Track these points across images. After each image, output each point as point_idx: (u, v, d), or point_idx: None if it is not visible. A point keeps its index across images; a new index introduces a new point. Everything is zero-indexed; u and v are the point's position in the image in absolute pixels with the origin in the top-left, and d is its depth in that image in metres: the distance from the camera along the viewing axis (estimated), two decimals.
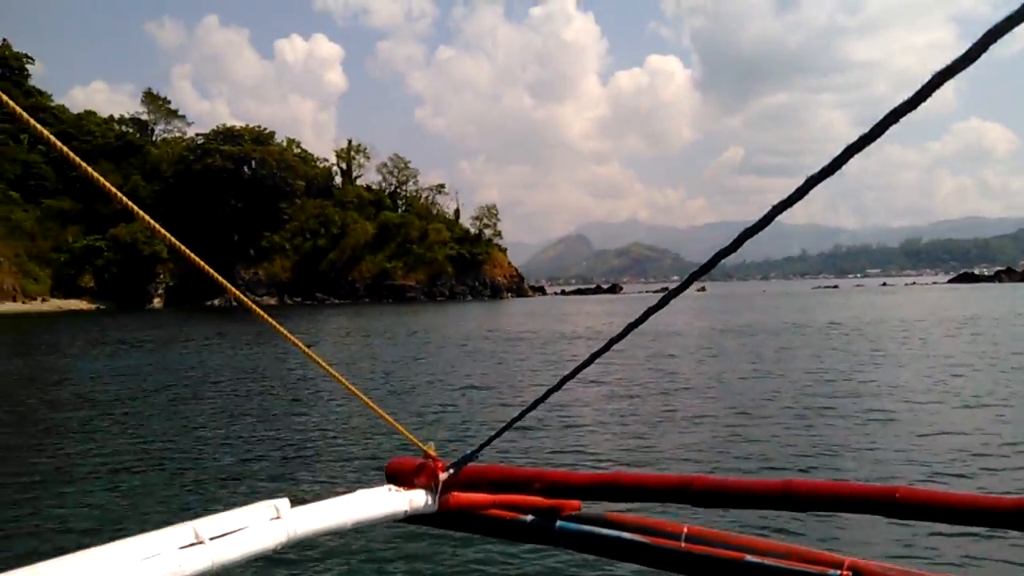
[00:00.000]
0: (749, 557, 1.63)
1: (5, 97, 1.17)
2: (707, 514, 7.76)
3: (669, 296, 1.38)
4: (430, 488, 1.91)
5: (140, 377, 27.68)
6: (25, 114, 1.23)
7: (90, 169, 1.29)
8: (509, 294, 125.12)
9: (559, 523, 1.90)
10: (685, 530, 1.73)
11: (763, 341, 37.76)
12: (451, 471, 1.91)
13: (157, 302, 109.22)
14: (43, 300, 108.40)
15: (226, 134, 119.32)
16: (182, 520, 1.30)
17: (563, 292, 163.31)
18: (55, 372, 29.77)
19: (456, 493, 1.93)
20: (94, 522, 10.25)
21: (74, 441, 15.98)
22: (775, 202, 1.08)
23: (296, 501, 1.57)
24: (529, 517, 1.94)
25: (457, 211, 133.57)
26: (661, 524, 1.78)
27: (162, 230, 1.24)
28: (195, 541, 1.33)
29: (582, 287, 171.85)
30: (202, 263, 1.62)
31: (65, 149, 1.26)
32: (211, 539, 1.35)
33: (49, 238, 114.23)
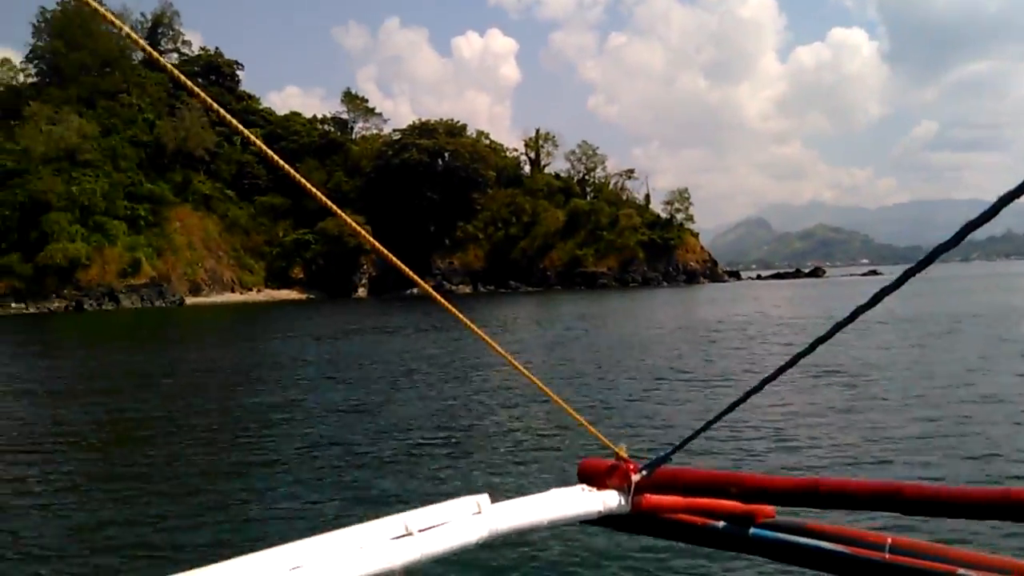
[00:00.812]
0: (962, 571, 1.51)
1: (222, 110, 1.27)
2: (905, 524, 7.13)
3: (881, 295, 1.29)
4: (622, 489, 1.86)
5: (339, 365, 27.95)
6: (240, 125, 1.30)
7: (293, 171, 1.41)
8: (704, 279, 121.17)
9: (753, 530, 1.83)
10: (889, 540, 1.63)
11: (977, 330, 33.35)
12: (644, 472, 1.87)
13: (361, 291, 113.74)
14: (258, 291, 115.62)
15: (422, 128, 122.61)
16: (388, 511, 1.36)
17: (759, 277, 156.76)
18: (257, 357, 30.82)
19: (649, 495, 1.87)
20: (312, 509, 10.56)
21: (280, 425, 16.71)
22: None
23: (494, 497, 1.59)
24: (722, 523, 1.88)
25: (647, 196, 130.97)
26: (863, 534, 1.68)
27: (356, 226, 1.55)
28: (405, 533, 1.39)
29: (782, 271, 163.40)
30: (393, 257, 1.67)
31: (275, 156, 1.34)
32: (419, 531, 1.41)
33: (262, 233, 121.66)
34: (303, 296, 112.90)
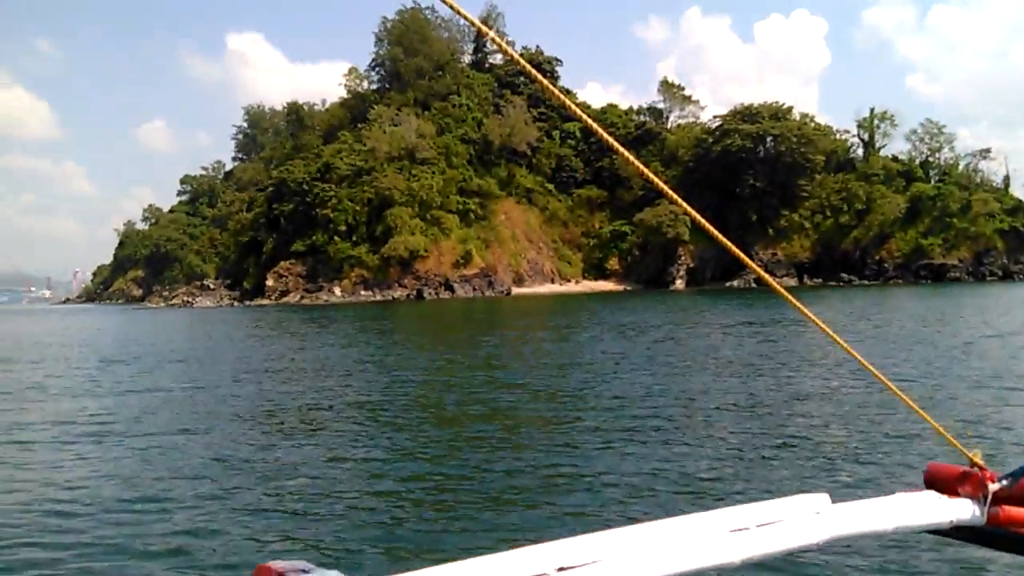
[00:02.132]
0: None
1: (568, 101, 1.30)
2: None
3: None
4: (977, 499, 1.71)
5: (661, 355, 26.02)
6: (590, 121, 1.29)
7: (628, 154, 1.36)
8: None
9: None
10: None
11: None
12: (1004, 483, 1.71)
13: (679, 283, 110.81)
14: (576, 282, 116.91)
15: (743, 113, 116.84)
16: (718, 504, 1.35)
17: None
18: (581, 345, 28.93)
19: (1009, 508, 1.71)
20: (647, 495, 9.96)
21: (608, 411, 16.01)
22: None
23: (834, 498, 1.53)
24: None
25: (1006, 178, 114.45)
26: None
27: (690, 209, 1.52)
28: (743, 527, 1.36)
29: None
30: (726, 240, 1.61)
31: (616, 144, 1.31)
32: (757, 526, 1.38)
33: (580, 225, 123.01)
34: (619, 287, 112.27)
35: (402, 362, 27.02)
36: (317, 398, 19.01)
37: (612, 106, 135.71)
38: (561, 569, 1.22)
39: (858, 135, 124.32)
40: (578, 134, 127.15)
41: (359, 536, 8.41)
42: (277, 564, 1.10)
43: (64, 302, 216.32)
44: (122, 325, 63.93)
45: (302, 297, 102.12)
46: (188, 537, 8.39)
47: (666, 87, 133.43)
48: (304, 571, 1.08)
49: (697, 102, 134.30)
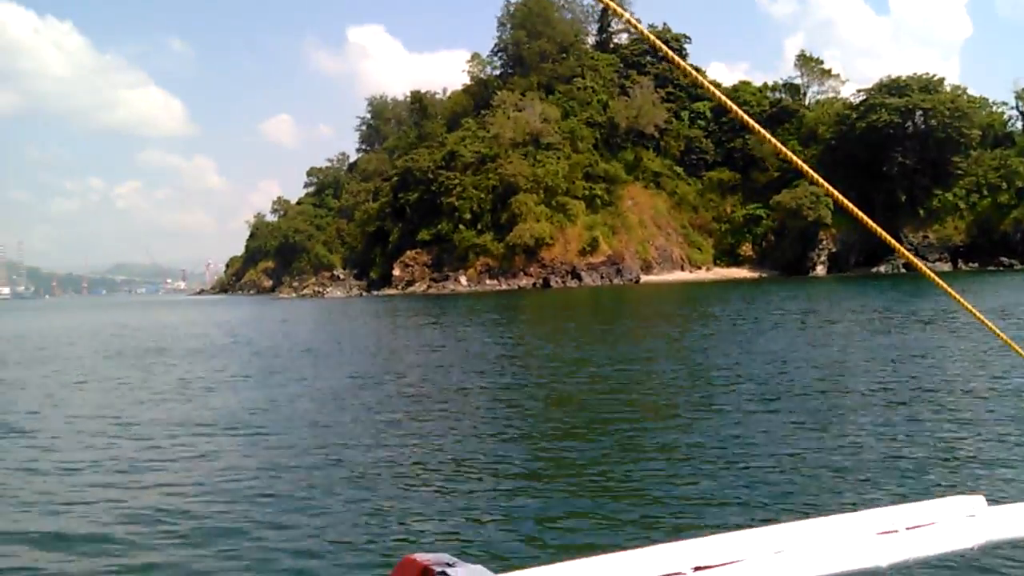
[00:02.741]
0: None
1: (699, 75, 1.21)
2: None
3: None
4: None
5: (805, 346, 23.47)
6: (730, 102, 1.23)
7: (765, 132, 1.24)
8: None
9: None
10: None
11: None
12: None
13: (820, 269, 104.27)
14: (707, 269, 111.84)
15: (890, 86, 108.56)
16: (866, 504, 1.32)
17: None
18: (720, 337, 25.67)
19: None
20: (793, 492, 9.11)
21: (751, 403, 14.92)
22: None
23: (990, 500, 1.45)
24: None
25: None
26: None
27: (833, 190, 1.46)
28: (891, 529, 1.32)
29: None
30: (871, 223, 1.56)
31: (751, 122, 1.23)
32: (906, 529, 1.33)
33: (710, 209, 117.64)
34: (754, 275, 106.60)
35: (540, 351, 24.78)
36: (458, 392, 18.36)
37: (745, 83, 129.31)
38: (698, 568, 1.18)
39: (1016, 107, 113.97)
40: (708, 114, 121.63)
41: (501, 529, 8.19)
42: (421, 556, 1.10)
43: (199, 293, 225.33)
44: (264, 316, 63.85)
45: (429, 287, 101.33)
46: (330, 529, 8.31)
47: (803, 61, 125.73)
48: (449, 564, 1.08)
49: (837, 76, 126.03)
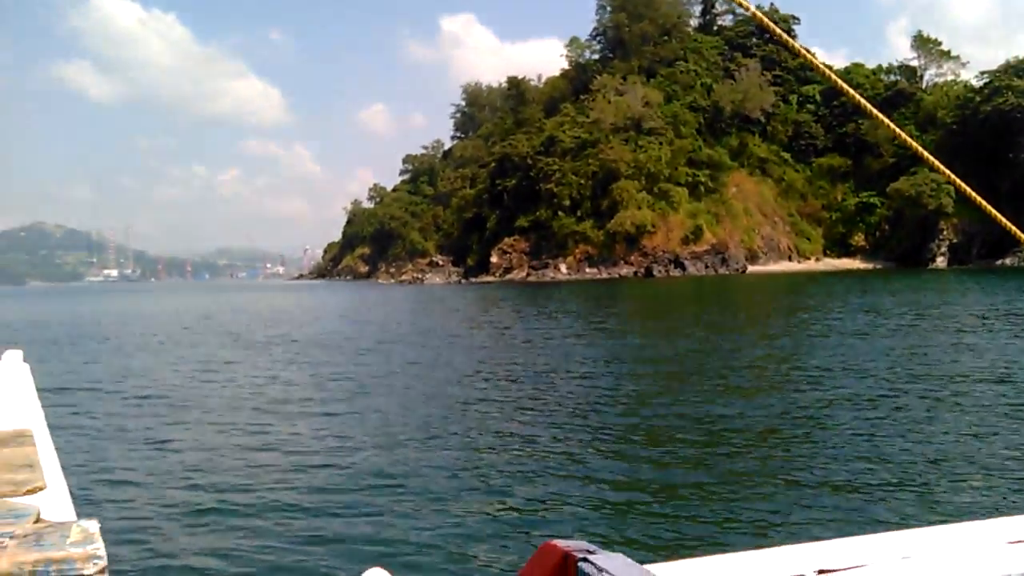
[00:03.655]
0: None
1: (811, 56, 1.05)
2: None
3: None
4: None
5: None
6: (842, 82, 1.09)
7: (882, 116, 1.14)
8: None
9: None
10: None
11: None
12: None
13: (940, 261, 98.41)
14: (816, 259, 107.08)
15: (1017, 68, 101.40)
16: (994, 513, 1.27)
17: None
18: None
19: None
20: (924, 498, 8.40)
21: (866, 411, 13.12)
22: None
23: None
24: None
25: None
26: None
27: (955, 177, 1.39)
28: (1022, 539, 1.27)
29: None
30: (996, 213, 1.52)
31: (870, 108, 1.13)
32: (817, 572, 1.27)
33: (819, 197, 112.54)
34: (867, 265, 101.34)
35: (664, 342, 22.49)
36: (585, 379, 17.48)
37: (857, 65, 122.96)
38: (822, 572, 1.16)
39: None
40: (818, 98, 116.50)
41: (636, 522, 7.93)
42: (561, 543, 1.10)
43: (298, 278, 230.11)
44: (373, 302, 63.25)
45: (528, 274, 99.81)
46: (470, 516, 8.17)
47: (920, 42, 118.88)
48: (589, 551, 1.07)
49: (957, 58, 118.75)
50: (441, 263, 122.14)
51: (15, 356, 4.62)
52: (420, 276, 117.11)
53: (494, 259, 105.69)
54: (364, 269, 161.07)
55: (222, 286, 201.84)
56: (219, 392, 16.90)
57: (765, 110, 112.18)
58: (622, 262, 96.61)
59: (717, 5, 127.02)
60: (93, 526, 1.76)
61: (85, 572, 1.57)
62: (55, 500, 2.20)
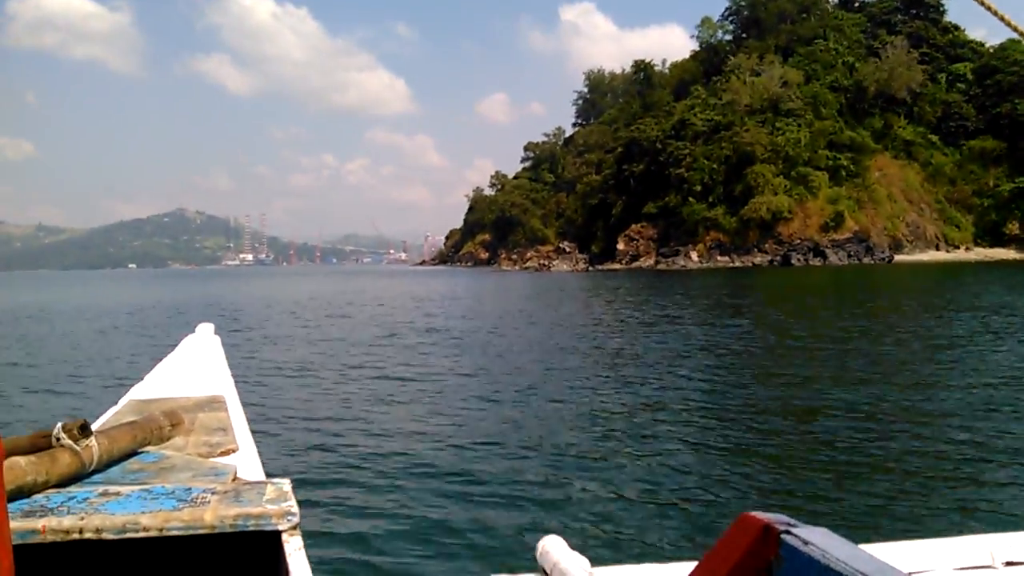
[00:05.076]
0: None
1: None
2: None
3: None
4: None
5: None
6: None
7: None
8: None
9: None
10: None
11: None
12: None
13: None
14: (966, 248, 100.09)
15: None
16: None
17: None
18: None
19: None
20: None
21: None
22: None
23: None
24: None
25: None
26: None
27: None
28: (987, 564, 1.22)
29: None
30: None
31: None
32: (1004, 564, 1.22)
33: (970, 182, 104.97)
34: (1023, 256, 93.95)
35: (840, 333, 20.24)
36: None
37: (1015, 42, 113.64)
38: (1009, 564, 1.11)
39: None
40: (970, 76, 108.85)
41: (827, 502, 7.30)
42: (761, 515, 1.07)
43: (421, 264, 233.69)
44: (509, 289, 62.46)
45: (657, 262, 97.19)
46: (665, 488, 7.78)
47: None
48: (791, 524, 1.03)
49: None
50: (568, 249, 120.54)
51: (207, 329, 4.89)
52: (546, 263, 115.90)
53: (620, 246, 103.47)
54: (485, 255, 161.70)
55: (348, 271, 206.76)
56: (389, 370, 16.81)
57: (912, 89, 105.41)
58: (756, 250, 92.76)
59: None
60: (286, 484, 1.94)
61: (280, 527, 1.74)
62: (247, 461, 2.45)
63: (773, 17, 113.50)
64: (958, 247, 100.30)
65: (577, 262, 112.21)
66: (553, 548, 1.75)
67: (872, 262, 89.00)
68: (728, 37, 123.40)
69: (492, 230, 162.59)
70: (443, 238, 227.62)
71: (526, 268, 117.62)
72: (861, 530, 6.71)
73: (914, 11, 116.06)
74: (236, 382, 3.78)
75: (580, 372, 15.58)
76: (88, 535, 1.61)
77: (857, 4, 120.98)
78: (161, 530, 1.65)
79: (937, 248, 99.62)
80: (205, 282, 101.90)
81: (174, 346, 4.45)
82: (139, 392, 3.40)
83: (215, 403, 3.09)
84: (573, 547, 1.75)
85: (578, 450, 9.32)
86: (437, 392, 13.53)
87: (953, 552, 1.13)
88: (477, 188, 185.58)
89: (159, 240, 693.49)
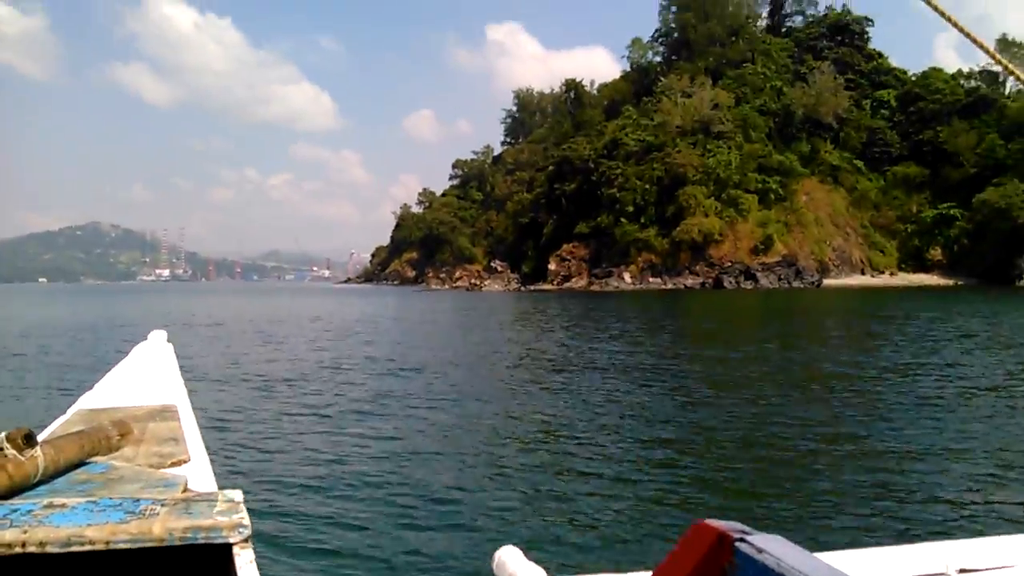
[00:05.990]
0: None
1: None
2: None
3: None
4: None
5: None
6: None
7: None
8: None
9: None
10: None
11: None
12: None
13: None
14: (891, 274, 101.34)
15: None
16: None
17: None
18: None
19: None
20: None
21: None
22: None
23: None
24: None
25: None
26: None
27: None
28: (941, 572, 1.20)
29: None
30: None
31: None
32: (958, 572, 1.21)
33: (894, 208, 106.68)
34: (947, 281, 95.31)
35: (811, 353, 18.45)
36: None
37: (936, 70, 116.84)
38: (963, 571, 1.11)
39: None
40: (893, 103, 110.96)
41: (780, 511, 7.40)
42: (715, 522, 1.05)
43: (345, 282, 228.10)
44: (452, 310, 59.41)
45: (590, 283, 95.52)
46: (619, 496, 7.94)
47: (1004, 46, 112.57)
48: (745, 532, 1.02)
49: None
50: (500, 269, 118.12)
51: (160, 336, 4.66)
52: (477, 282, 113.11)
53: (552, 266, 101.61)
54: (411, 273, 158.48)
55: (269, 288, 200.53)
56: (344, 377, 17.65)
57: (838, 115, 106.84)
58: (687, 272, 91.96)
59: (786, 6, 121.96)
60: (238, 496, 1.90)
61: (231, 540, 1.71)
62: (199, 472, 2.42)
63: (703, 40, 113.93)
64: (883, 272, 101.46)
65: (509, 282, 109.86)
66: (510, 559, 1.74)
67: (802, 286, 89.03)
68: (658, 59, 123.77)
69: (419, 248, 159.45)
70: (369, 255, 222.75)
71: (456, 287, 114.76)
72: (815, 538, 6.76)
73: (839, 37, 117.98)
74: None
75: (530, 391, 15.54)
76: (31, 549, 1.57)
77: (784, 29, 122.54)
78: (108, 543, 1.61)
79: (863, 272, 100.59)
80: (113, 298, 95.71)
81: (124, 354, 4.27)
82: (88, 401, 3.30)
83: (167, 412, 3.02)
84: (530, 558, 1.75)
85: (531, 465, 9.30)
86: (388, 411, 13.43)
87: (908, 560, 1.14)
88: (404, 205, 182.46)
89: (71, 254, 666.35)
